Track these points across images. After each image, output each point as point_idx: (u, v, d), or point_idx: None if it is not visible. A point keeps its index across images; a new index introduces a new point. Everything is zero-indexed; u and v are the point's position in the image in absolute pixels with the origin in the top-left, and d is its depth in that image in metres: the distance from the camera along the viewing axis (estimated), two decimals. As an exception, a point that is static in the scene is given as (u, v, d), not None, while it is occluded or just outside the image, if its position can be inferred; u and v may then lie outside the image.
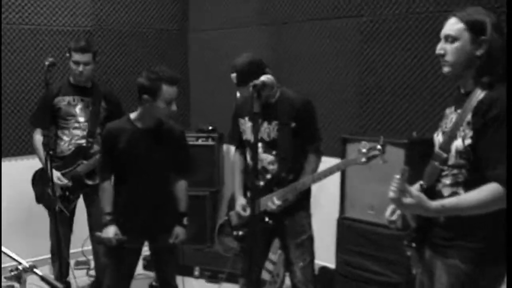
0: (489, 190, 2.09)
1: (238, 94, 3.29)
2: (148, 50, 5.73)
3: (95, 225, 4.28)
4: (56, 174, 3.93)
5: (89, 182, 4.12)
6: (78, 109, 4.12)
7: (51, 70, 3.87)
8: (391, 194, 2.11)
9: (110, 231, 3.27)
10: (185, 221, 3.42)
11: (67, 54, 4.06)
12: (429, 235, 2.35)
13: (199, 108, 6.05)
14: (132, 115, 3.32)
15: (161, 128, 3.31)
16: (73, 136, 4.10)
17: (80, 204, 4.31)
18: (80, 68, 4.03)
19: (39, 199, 4.22)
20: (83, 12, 5.23)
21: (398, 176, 2.10)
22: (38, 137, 4.13)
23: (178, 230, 3.39)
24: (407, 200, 2.10)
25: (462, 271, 2.23)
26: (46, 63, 3.71)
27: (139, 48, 5.66)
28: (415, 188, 2.23)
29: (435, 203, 2.14)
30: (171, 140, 3.34)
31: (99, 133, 4.17)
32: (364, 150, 2.96)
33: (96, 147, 4.15)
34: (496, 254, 2.16)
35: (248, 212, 3.35)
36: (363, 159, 2.96)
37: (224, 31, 5.61)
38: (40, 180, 4.17)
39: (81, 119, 4.13)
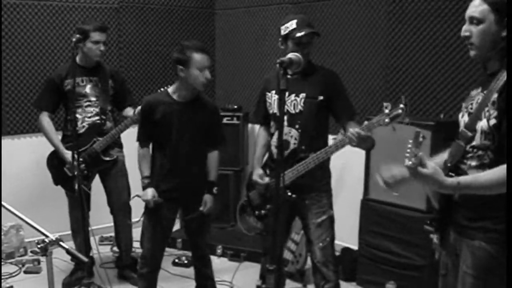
0: (503, 171, 2.06)
1: None
2: (175, 27, 5.72)
3: (116, 203, 4.32)
4: (68, 156, 3.99)
5: (106, 158, 4.17)
6: (88, 89, 4.13)
7: (78, 47, 3.92)
8: (407, 162, 2.06)
9: (149, 193, 3.45)
10: (214, 190, 3.56)
11: (78, 36, 3.84)
12: (453, 217, 2.33)
13: (224, 87, 6.04)
14: (170, 89, 3.49)
15: (196, 102, 3.47)
16: (86, 114, 4.12)
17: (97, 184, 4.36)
18: (102, 47, 4.05)
19: (57, 180, 4.26)
20: (110, -11, 5.25)
21: (410, 141, 2.05)
22: (47, 120, 4.16)
23: (207, 198, 3.53)
24: (424, 170, 2.06)
25: (488, 253, 2.21)
26: (73, 39, 3.72)
27: (166, 26, 5.66)
28: (438, 165, 2.19)
29: (451, 179, 2.11)
30: (205, 114, 3.49)
31: (109, 110, 4.23)
32: (387, 111, 2.83)
33: (109, 124, 4.20)
34: None
35: (266, 180, 3.36)
36: (387, 120, 2.83)
37: (251, 9, 5.58)
38: (56, 162, 4.20)
39: (92, 98, 4.15)
